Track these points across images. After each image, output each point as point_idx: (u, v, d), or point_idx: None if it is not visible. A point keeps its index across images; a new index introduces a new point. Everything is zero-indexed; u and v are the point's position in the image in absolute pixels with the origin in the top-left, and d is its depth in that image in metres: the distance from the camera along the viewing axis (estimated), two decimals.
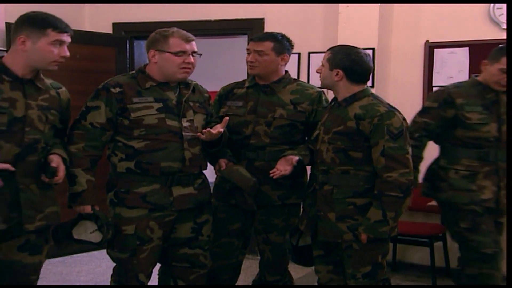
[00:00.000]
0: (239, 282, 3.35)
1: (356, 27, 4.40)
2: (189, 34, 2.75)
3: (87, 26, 5.27)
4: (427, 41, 4.50)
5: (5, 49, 4.31)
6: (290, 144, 3.04)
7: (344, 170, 2.71)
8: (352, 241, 2.69)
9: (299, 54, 4.73)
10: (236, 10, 4.94)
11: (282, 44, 3.06)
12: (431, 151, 3.34)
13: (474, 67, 4.35)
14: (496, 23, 4.30)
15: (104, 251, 2.84)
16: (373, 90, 3.03)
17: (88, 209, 2.64)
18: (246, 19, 4.95)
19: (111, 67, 5.09)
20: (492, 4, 4.29)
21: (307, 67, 4.78)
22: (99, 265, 4.64)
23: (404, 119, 2.73)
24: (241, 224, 3.14)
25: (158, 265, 2.91)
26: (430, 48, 4.50)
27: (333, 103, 2.84)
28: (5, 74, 2.42)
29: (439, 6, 4.45)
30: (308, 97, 3.08)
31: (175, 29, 2.76)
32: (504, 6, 4.16)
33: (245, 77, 3.60)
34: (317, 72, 2.83)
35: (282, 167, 2.84)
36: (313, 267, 2.98)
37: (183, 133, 2.72)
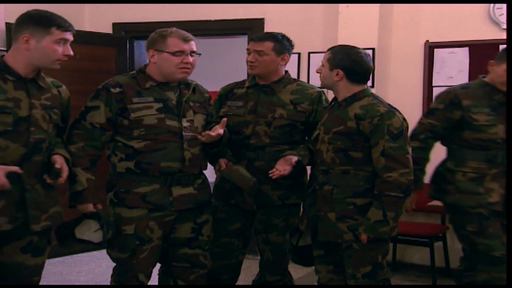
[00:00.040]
0: (239, 282, 3.35)
1: (356, 27, 4.40)
2: (188, 34, 2.75)
3: (87, 26, 5.27)
4: (427, 41, 4.51)
5: (5, 49, 4.31)
6: (290, 144, 3.04)
7: (344, 170, 2.71)
8: (352, 241, 2.69)
9: (299, 54, 4.73)
10: (236, 10, 4.94)
11: (282, 44, 3.06)
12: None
13: (474, 67, 4.36)
14: (496, 23, 4.30)
15: (104, 251, 2.84)
16: (373, 90, 3.02)
17: (90, 207, 2.63)
18: (246, 19, 4.95)
19: (111, 67, 5.09)
20: (492, 4, 4.29)
21: (307, 67, 4.78)
22: (99, 265, 4.64)
23: (404, 119, 2.72)
24: (241, 224, 3.14)
25: (158, 265, 2.91)
26: (430, 48, 4.50)
27: (333, 103, 2.84)
28: (8, 74, 2.41)
29: (439, 6, 4.45)
30: (308, 97, 3.08)
31: (174, 29, 2.76)
32: (504, 6, 4.16)
33: (245, 77, 3.60)
34: (317, 72, 2.83)
35: (281, 167, 2.84)
36: (313, 267, 2.98)
37: (183, 133, 2.72)
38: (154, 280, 2.91)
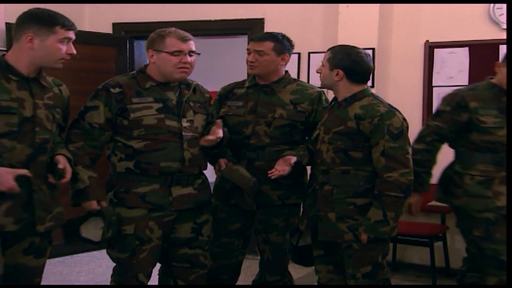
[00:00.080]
0: (239, 282, 3.35)
1: (356, 27, 4.40)
2: (186, 34, 2.74)
3: (87, 26, 5.27)
4: (427, 41, 4.51)
5: (5, 49, 4.31)
6: (290, 144, 3.04)
7: (344, 170, 2.71)
8: (352, 241, 2.69)
9: (299, 54, 4.73)
10: (236, 10, 4.94)
11: (283, 44, 3.06)
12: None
13: (474, 67, 4.36)
14: (496, 23, 4.30)
15: (104, 251, 2.84)
16: (373, 90, 3.02)
17: (93, 204, 2.63)
18: (246, 19, 4.95)
19: (111, 67, 5.09)
20: (492, 4, 4.29)
21: (307, 67, 4.78)
22: (99, 265, 4.64)
23: (404, 119, 2.73)
24: (241, 224, 3.14)
25: (158, 265, 2.91)
26: (430, 48, 4.50)
27: (333, 103, 2.84)
28: (11, 73, 2.39)
29: (439, 6, 4.45)
30: (308, 97, 3.08)
31: (172, 29, 2.75)
32: (504, 6, 4.16)
33: (245, 77, 3.60)
34: (317, 72, 2.83)
35: (281, 168, 2.85)
36: (313, 267, 2.98)
37: (183, 133, 2.72)
38: (154, 280, 2.91)
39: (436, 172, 3.18)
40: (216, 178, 3.13)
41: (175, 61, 2.69)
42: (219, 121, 2.80)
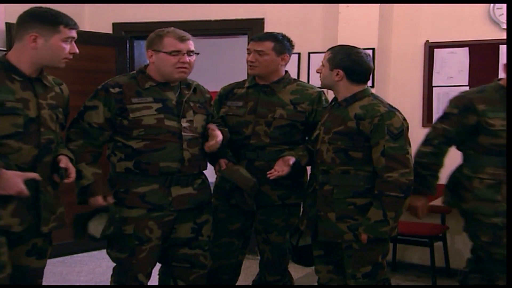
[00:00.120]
0: (239, 282, 3.35)
1: (356, 27, 4.40)
2: (185, 33, 2.74)
3: (87, 26, 5.27)
4: (427, 41, 4.51)
5: (5, 49, 4.30)
6: (290, 144, 3.04)
7: (344, 170, 2.71)
8: (352, 241, 2.69)
9: (299, 54, 4.73)
10: (236, 10, 4.94)
11: (283, 44, 3.06)
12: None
13: (474, 67, 4.36)
14: (496, 23, 4.29)
15: (104, 251, 2.85)
16: (373, 90, 3.02)
17: (99, 200, 2.63)
18: (246, 19, 4.95)
19: (111, 67, 5.09)
20: (492, 4, 4.29)
21: (307, 67, 4.78)
22: (99, 265, 4.64)
23: (404, 119, 2.72)
24: (241, 224, 3.14)
25: (158, 265, 2.91)
26: (430, 48, 4.50)
27: (333, 103, 2.84)
28: (14, 74, 2.37)
29: (439, 6, 4.45)
30: (308, 97, 3.08)
31: (171, 29, 2.75)
32: (504, 6, 4.15)
33: (245, 77, 3.60)
34: (317, 72, 2.83)
35: (279, 168, 2.86)
36: (313, 267, 2.98)
37: (182, 133, 2.72)
38: (154, 280, 2.91)
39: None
40: (216, 178, 3.13)
41: (173, 61, 2.69)
42: (212, 126, 2.79)
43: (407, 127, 2.72)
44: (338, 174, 2.72)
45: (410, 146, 2.69)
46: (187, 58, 2.71)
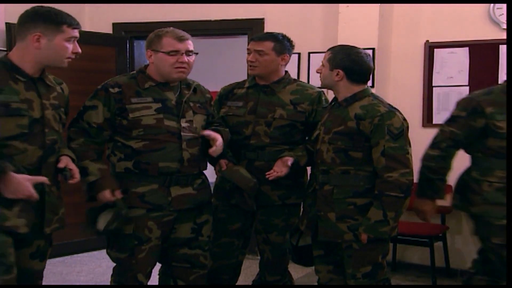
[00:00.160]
0: (239, 282, 3.35)
1: (356, 27, 4.40)
2: (183, 33, 2.74)
3: (87, 26, 5.26)
4: (427, 41, 4.51)
5: (5, 49, 4.30)
6: (290, 144, 3.04)
7: (345, 170, 2.71)
8: (352, 241, 2.69)
9: (299, 54, 4.73)
10: (236, 10, 4.94)
11: (283, 44, 3.06)
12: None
13: (474, 67, 4.36)
14: (496, 23, 4.29)
15: (104, 251, 2.85)
16: (373, 90, 3.02)
17: (107, 194, 2.62)
18: (246, 19, 4.95)
19: (111, 67, 5.09)
20: (492, 4, 4.28)
21: (307, 67, 4.78)
22: (99, 265, 4.64)
23: (405, 119, 2.73)
24: (241, 224, 3.14)
25: (158, 265, 2.91)
26: (430, 48, 4.50)
27: (333, 103, 2.84)
28: (18, 74, 2.35)
29: (439, 6, 4.45)
30: (308, 97, 3.08)
31: (170, 28, 2.75)
32: (504, 6, 4.15)
33: (245, 77, 3.60)
34: (317, 72, 2.83)
35: (278, 169, 2.87)
36: (313, 267, 2.98)
37: (182, 133, 2.72)
38: (154, 280, 2.91)
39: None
40: (217, 178, 3.13)
41: (171, 61, 2.69)
42: (206, 132, 2.77)
43: (407, 127, 2.72)
44: (338, 174, 2.72)
45: (410, 146, 2.69)
46: (186, 58, 2.71)
